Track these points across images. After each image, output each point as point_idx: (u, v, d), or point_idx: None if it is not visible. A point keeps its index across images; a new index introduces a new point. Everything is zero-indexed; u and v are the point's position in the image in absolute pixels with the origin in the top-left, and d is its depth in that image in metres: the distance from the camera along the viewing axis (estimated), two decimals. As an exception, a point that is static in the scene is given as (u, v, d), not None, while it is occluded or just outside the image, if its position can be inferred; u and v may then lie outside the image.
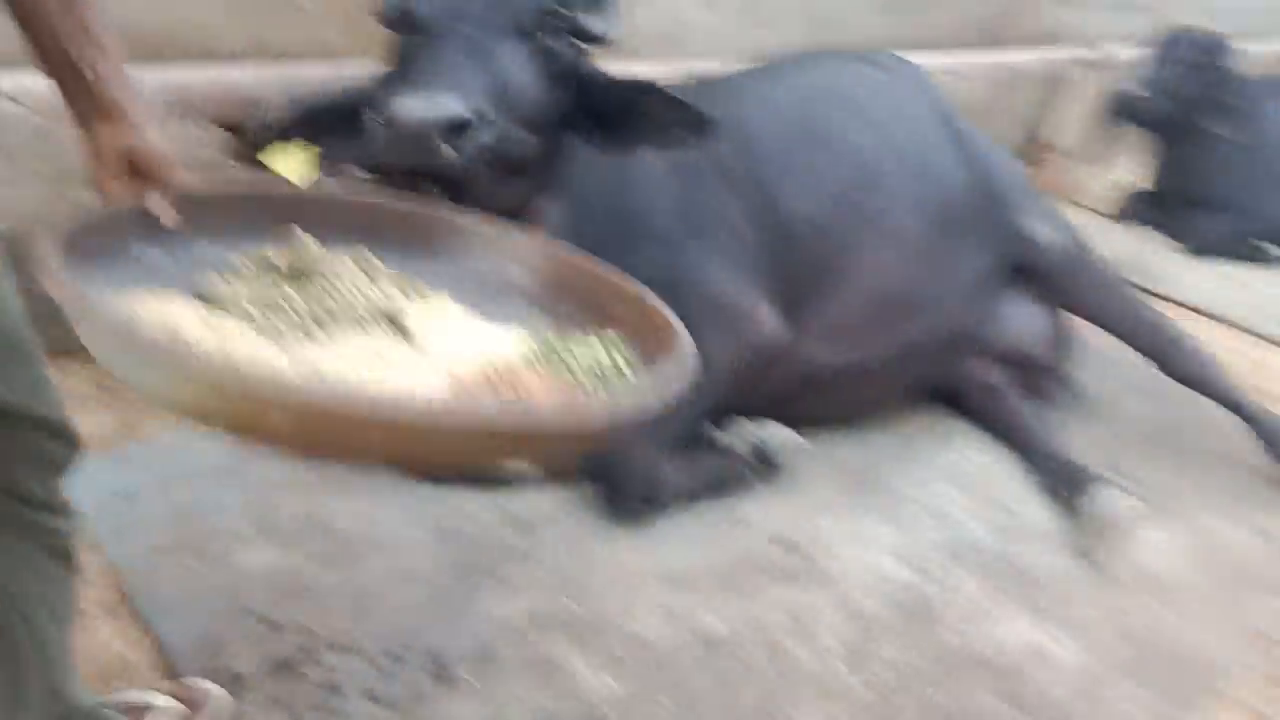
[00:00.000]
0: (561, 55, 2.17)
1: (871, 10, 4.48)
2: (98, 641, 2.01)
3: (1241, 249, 4.73)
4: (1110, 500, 2.63)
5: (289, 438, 1.01)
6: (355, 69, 2.27)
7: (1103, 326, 3.12)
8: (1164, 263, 4.61)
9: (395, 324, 1.41)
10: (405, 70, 2.03)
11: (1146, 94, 4.64)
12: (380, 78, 2.13)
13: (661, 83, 2.22)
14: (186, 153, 2.65)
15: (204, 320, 1.29)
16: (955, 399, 3.12)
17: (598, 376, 1.35)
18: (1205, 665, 2.29)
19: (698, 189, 2.57)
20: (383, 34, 2.15)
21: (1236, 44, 4.75)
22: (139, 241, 1.48)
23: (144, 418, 2.62)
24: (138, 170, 1.45)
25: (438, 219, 1.75)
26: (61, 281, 1.12)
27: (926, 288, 2.85)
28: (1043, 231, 3.03)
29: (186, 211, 1.52)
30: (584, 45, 2.23)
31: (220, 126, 2.63)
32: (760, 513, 2.59)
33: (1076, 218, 4.23)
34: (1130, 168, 5.18)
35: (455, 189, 1.96)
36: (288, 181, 1.91)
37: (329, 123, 2.12)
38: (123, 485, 2.39)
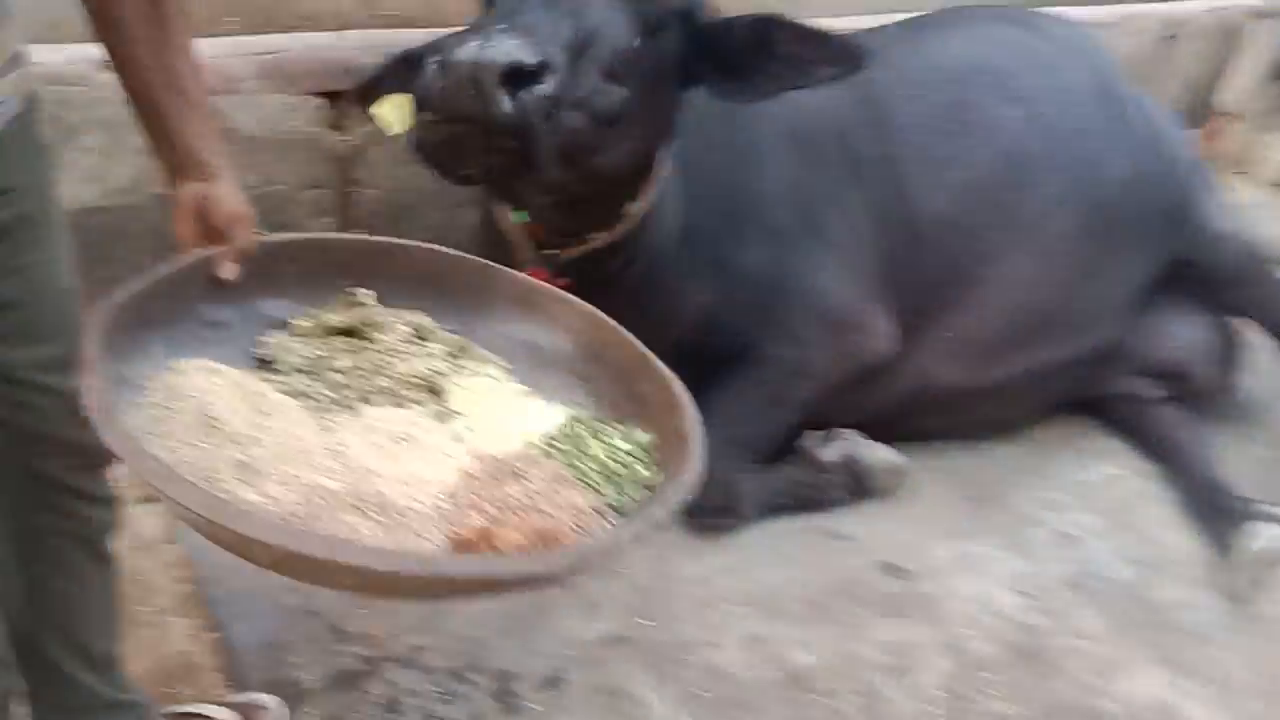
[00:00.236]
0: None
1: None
2: (166, 639, 2.01)
3: None
4: (1270, 536, 2.39)
5: (272, 568, 1.16)
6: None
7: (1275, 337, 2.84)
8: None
9: (435, 395, 1.54)
10: (482, 19, 1.87)
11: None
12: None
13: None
14: (279, 124, 2.69)
15: (244, 395, 1.40)
16: (1095, 406, 2.87)
17: (609, 477, 1.43)
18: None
19: (819, 170, 2.37)
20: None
21: None
22: (204, 300, 1.55)
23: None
24: (212, 224, 1.49)
25: (498, 275, 1.80)
26: (92, 392, 1.22)
27: (1074, 302, 2.60)
28: (1221, 230, 2.74)
29: (258, 263, 1.58)
30: None
31: (319, 96, 2.65)
32: (866, 531, 2.46)
33: (1250, 192, 3.80)
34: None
35: (522, 162, 1.73)
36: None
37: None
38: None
